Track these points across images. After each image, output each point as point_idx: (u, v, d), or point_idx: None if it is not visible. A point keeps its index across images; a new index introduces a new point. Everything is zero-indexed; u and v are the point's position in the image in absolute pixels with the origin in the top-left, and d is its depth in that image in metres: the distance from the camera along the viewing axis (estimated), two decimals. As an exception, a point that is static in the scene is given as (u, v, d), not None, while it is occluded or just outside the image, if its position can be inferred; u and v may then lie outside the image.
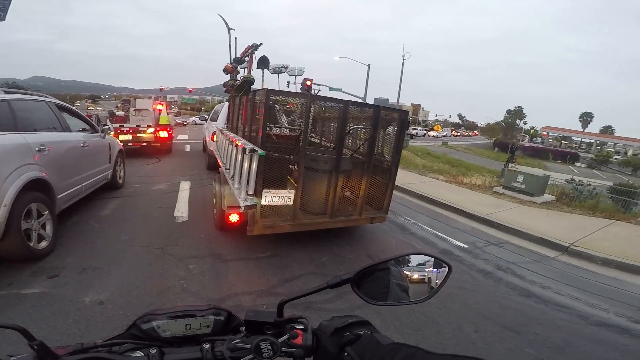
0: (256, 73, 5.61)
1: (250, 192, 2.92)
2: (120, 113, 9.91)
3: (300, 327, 0.64)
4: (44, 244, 3.06)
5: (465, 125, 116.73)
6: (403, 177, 8.28)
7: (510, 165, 11.01)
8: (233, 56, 5.98)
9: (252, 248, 3.58)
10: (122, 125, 8.98)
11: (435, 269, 0.66)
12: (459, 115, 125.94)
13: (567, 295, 3.35)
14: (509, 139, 48.32)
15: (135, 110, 9.77)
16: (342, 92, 19.28)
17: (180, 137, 16.79)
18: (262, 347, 0.57)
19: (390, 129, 4.08)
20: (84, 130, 4.43)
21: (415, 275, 0.66)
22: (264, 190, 3.08)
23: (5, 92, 3.36)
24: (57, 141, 3.58)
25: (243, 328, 0.65)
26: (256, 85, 5.22)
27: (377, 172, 3.90)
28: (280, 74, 6.95)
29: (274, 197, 3.17)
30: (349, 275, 0.62)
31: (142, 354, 0.59)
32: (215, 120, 7.74)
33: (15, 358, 0.55)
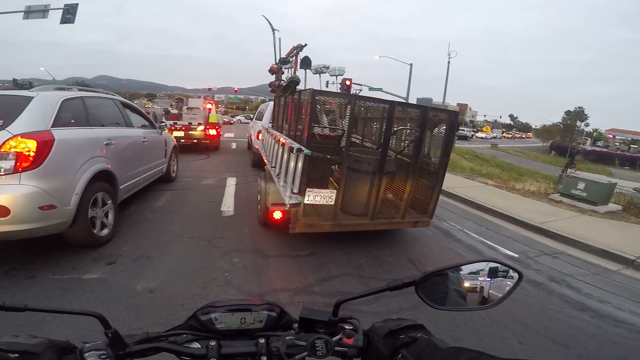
0: (299, 73, 5.71)
1: (295, 191, 2.96)
2: (174, 111, 10.61)
3: (350, 327, 0.64)
4: (105, 231, 3.33)
5: (518, 126, 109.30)
6: (448, 181, 7.97)
7: (569, 170, 10.11)
8: (278, 57, 6.13)
9: (292, 245, 3.63)
10: (176, 123, 9.57)
11: (489, 279, 0.65)
12: (511, 116, 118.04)
13: (628, 311, 3.03)
14: (567, 142, 44.44)
15: (187, 108, 10.32)
16: (383, 91, 18.94)
17: (226, 134, 17.62)
18: (317, 345, 0.58)
19: (436, 130, 3.93)
20: (143, 126, 4.79)
21: (469, 284, 0.65)
22: (308, 190, 3.11)
23: (80, 89, 3.78)
24: (121, 136, 3.90)
25: (295, 325, 0.66)
26: (299, 85, 5.30)
27: (423, 174, 3.78)
28: (321, 74, 7.01)
29: (316, 197, 3.19)
30: (411, 278, 0.62)
31: (200, 346, 0.61)
32: (261, 119, 7.98)
33: (90, 345, 0.58)
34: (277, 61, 5.93)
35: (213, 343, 0.60)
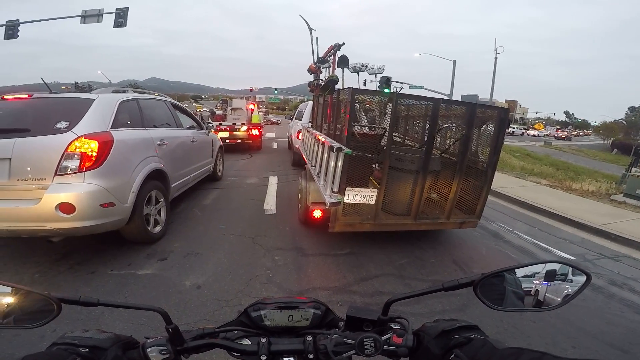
0: (337, 72, 5.69)
1: (335, 190, 2.95)
2: (220, 112, 11.02)
3: (399, 327, 0.63)
4: (158, 228, 3.50)
5: (574, 123, 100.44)
6: (497, 180, 7.53)
7: (634, 169, 9.09)
8: (316, 56, 6.16)
9: (331, 244, 3.63)
10: (221, 123, 9.93)
11: (545, 282, 0.63)
12: (566, 113, 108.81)
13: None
14: (632, 139, 40.05)
15: (231, 109, 10.67)
16: (425, 89, 18.33)
17: (267, 134, 18.05)
18: (365, 343, 0.57)
19: (484, 128, 3.72)
20: (192, 127, 4.99)
21: (527, 286, 0.63)
22: (348, 189, 3.09)
23: (134, 91, 3.96)
24: (172, 136, 4.08)
25: (341, 324, 0.66)
26: (338, 84, 5.29)
27: (470, 173, 3.60)
28: (359, 73, 6.93)
29: (356, 196, 3.16)
30: (469, 279, 0.60)
31: (250, 342, 0.62)
32: (300, 119, 8.08)
33: (151, 340, 0.59)
34: (316, 61, 5.96)
35: (264, 340, 0.61)
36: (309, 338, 0.63)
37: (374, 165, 3.59)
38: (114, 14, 14.16)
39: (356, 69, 6.53)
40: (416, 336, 0.62)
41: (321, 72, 5.71)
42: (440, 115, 3.50)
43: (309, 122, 6.94)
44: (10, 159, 2.56)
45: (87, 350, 0.53)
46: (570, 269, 0.63)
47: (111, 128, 3.00)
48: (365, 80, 10.34)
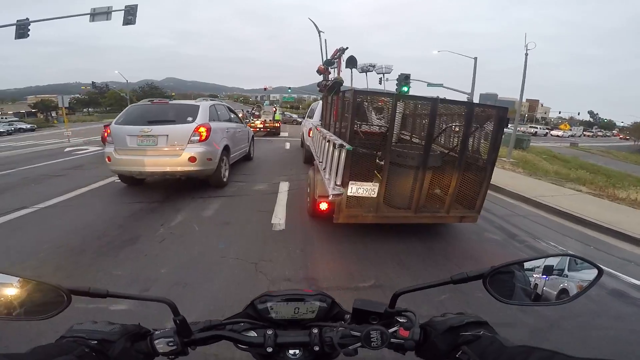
0: (346, 72, 5.90)
1: (338, 183, 3.19)
2: (257, 112, 18.56)
3: (405, 320, 0.63)
4: (225, 180, 5.98)
5: (600, 123, 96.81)
6: (533, 187, 7.25)
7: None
8: (324, 58, 6.41)
9: (351, 272, 3.08)
10: (258, 118, 17.80)
11: (556, 276, 0.63)
12: (590, 113, 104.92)
13: None
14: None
15: (263, 111, 18.50)
16: (444, 87, 18.20)
17: (282, 134, 18.52)
18: (371, 335, 0.58)
19: (483, 126, 3.87)
20: (237, 121, 7.63)
21: (538, 279, 0.64)
22: (351, 182, 3.31)
23: (212, 99, 6.56)
24: (230, 127, 6.75)
25: (347, 316, 0.67)
26: (346, 84, 5.49)
27: (470, 169, 3.75)
28: (368, 72, 7.11)
29: (359, 189, 3.37)
30: (478, 272, 0.60)
31: (257, 334, 0.63)
32: (312, 118, 8.36)
33: (159, 332, 0.61)
34: (324, 62, 6.20)
35: (270, 332, 0.62)
36: (315, 330, 0.63)
37: (379, 162, 3.79)
38: (123, 12, 14.25)
39: (364, 69, 6.72)
40: (423, 330, 0.61)
41: (330, 73, 5.94)
42: (444, 114, 3.69)
43: (320, 120, 7.19)
44: (168, 135, 5.10)
45: (95, 342, 0.55)
46: (582, 262, 0.63)
47: (209, 121, 5.55)
48: (381, 79, 10.49)
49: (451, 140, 4.21)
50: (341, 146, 2.99)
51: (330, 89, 4.29)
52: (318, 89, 6.11)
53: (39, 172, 7.52)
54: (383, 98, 4.06)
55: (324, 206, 3.81)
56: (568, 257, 0.65)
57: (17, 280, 0.56)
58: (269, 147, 11.99)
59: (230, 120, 6.94)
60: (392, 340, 0.60)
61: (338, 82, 4.21)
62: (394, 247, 3.63)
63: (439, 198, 3.85)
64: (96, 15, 14.21)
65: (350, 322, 0.64)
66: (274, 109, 19.08)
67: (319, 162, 4.29)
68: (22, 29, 13.93)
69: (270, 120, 17.65)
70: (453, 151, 3.89)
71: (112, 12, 14.16)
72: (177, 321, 0.60)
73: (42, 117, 59.48)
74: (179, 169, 5.13)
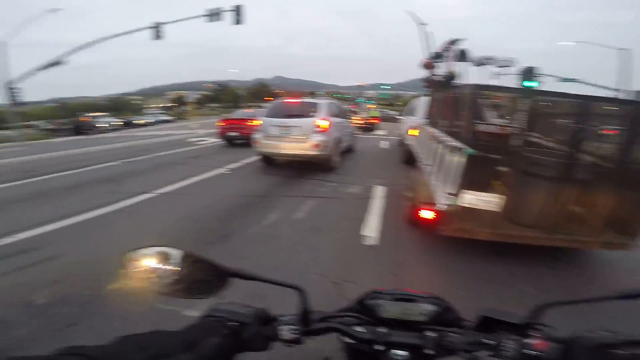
0: (457, 67, 5.27)
1: (451, 191, 2.79)
2: (355, 109, 21.83)
3: (538, 334, 0.57)
4: (335, 165, 7.25)
5: None
6: None
7: None
8: (428, 51, 5.88)
9: (460, 307, 2.71)
10: (354, 116, 18.18)
11: None
12: None
13: None
14: None
15: (362, 109, 22.00)
16: (581, 83, 15.29)
17: (378, 132, 18.25)
18: (506, 346, 0.54)
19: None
20: (345, 118, 8.94)
21: None
22: (466, 191, 2.87)
23: (334, 97, 12.93)
24: (341, 122, 8.06)
25: (467, 323, 0.63)
26: (458, 79, 4.90)
27: (631, 186, 2.91)
28: (484, 66, 6.27)
29: (476, 200, 2.91)
30: None
31: (365, 331, 0.60)
32: (413, 115, 7.82)
33: (285, 318, 0.61)
34: (430, 56, 5.70)
35: (383, 330, 0.60)
36: (431, 334, 0.59)
37: (500, 168, 3.24)
38: (231, 13, 16.14)
39: (480, 62, 5.94)
40: (564, 345, 0.54)
41: (435, 68, 5.42)
42: (591, 114, 2.92)
43: (424, 118, 6.70)
44: (300, 126, 6.74)
45: (234, 324, 0.57)
46: None
47: (329, 116, 7.05)
48: (498, 74, 9.32)
49: (601, 146, 3.33)
50: (458, 149, 2.59)
51: (442, 84, 3.84)
52: (423, 84, 5.66)
53: (166, 160, 8.69)
54: (508, 94, 3.44)
55: (427, 214, 3.43)
56: None
57: (187, 256, 0.58)
58: (365, 145, 11.67)
59: (340, 116, 8.12)
60: (526, 350, 0.54)
61: (451, 76, 3.75)
62: (523, 278, 2.92)
63: (580, 217, 3.09)
64: (211, 16, 16.36)
65: (467, 330, 0.61)
66: (372, 106, 23.50)
67: (426, 164, 3.90)
68: (157, 31, 16.85)
69: (368, 117, 19.90)
70: (608, 161, 3.07)
71: (223, 13, 16.16)
72: (303, 310, 0.60)
73: (176, 111, 71.63)
74: (305, 152, 6.72)
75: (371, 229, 3.94)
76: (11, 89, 17.93)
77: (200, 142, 12.89)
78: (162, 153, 9.94)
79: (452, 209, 2.94)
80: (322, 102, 7.36)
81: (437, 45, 5.53)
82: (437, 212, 3.24)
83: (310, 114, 6.84)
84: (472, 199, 2.91)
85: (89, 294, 2.51)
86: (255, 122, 9.65)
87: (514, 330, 0.58)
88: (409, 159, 7.33)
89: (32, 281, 2.71)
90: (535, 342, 0.55)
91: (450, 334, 0.59)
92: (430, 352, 0.58)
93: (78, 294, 2.51)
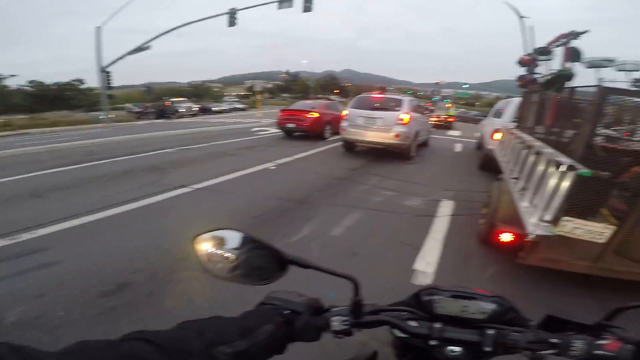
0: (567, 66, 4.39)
1: (548, 218, 2.25)
2: (432, 108, 21.25)
3: (609, 335, 0.55)
4: (413, 154, 7.95)
5: None
6: None
7: None
8: (527, 47, 5.12)
9: None
10: (431, 113, 19.25)
11: None
12: None
13: None
14: None
15: (437, 108, 23.95)
16: None
17: (450, 132, 16.84)
18: (574, 345, 0.52)
19: None
20: (422, 114, 9.76)
21: None
22: (566, 218, 2.30)
23: (410, 94, 14.05)
24: (420, 118, 8.83)
25: (530, 323, 0.60)
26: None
27: None
28: (600, 69, 5.13)
29: (578, 230, 2.32)
30: None
31: (419, 325, 0.59)
32: (500, 117, 6.90)
33: (336, 309, 0.61)
34: (530, 51, 4.89)
35: (438, 325, 0.58)
36: (490, 331, 0.57)
37: (615, 191, 2.56)
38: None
39: (594, 64, 4.85)
40: (636, 347, 0.52)
41: (537, 65, 4.61)
42: None
43: (514, 121, 5.87)
44: (384, 118, 7.56)
45: (288, 312, 0.58)
46: None
47: (409, 111, 7.69)
48: (614, 80, 7.79)
49: None
50: (571, 168, 2.04)
51: (552, 83, 3.17)
52: (518, 83, 4.90)
53: (220, 149, 8.53)
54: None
55: (507, 237, 2.90)
56: None
57: (247, 240, 0.58)
58: (437, 146, 10.75)
59: (418, 112, 8.76)
60: (596, 351, 0.51)
61: (566, 75, 3.06)
62: None
63: None
64: (282, 3, 16.59)
65: (533, 329, 0.57)
66: (449, 105, 24.88)
67: (512, 178, 3.30)
68: (232, 18, 17.63)
69: (444, 115, 20.67)
70: None
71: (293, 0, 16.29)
72: (355, 301, 0.60)
73: (250, 99, 76.01)
74: (387, 141, 7.53)
75: (428, 261, 3.01)
76: (105, 72, 19.48)
77: (260, 132, 12.86)
78: (220, 142, 10.02)
79: (545, 238, 2.39)
80: (405, 98, 8.21)
81: (541, 42, 4.67)
82: (520, 236, 2.70)
83: (395, 108, 7.66)
84: (574, 228, 2.33)
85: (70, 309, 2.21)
86: (313, 114, 10.28)
87: (582, 331, 0.56)
88: (488, 165, 6.58)
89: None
90: (606, 342, 0.53)
91: (511, 332, 0.57)
92: (489, 349, 0.56)
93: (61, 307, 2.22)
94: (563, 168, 2.09)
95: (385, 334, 0.63)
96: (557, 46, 4.00)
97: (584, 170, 2.01)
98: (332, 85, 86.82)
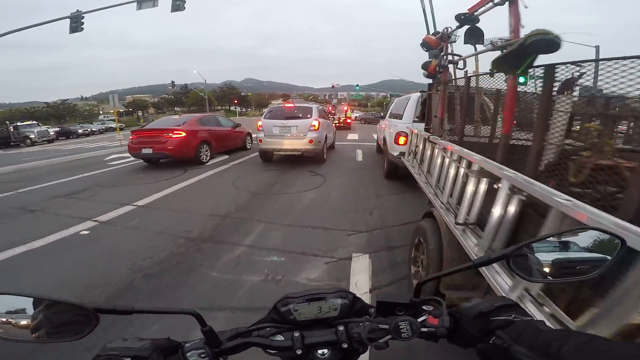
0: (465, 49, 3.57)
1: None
2: (332, 112, 23.91)
3: (431, 309, 0.60)
4: (325, 157, 8.75)
5: None
6: None
7: None
8: (431, 27, 4.52)
9: None
10: (334, 117, 19.92)
11: (578, 250, 0.58)
12: None
13: None
14: None
15: (337, 110, 24.72)
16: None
17: (350, 136, 16.14)
18: (401, 327, 0.56)
19: None
20: (328, 119, 11.01)
21: (561, 254, 0.59)
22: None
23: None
24: (327, 123, 9.90)
25: (371, 310, 0.64)
26: (470, 66, 3.44)
27: None
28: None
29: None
30: (500, 253, 0.55)
31: (284, 338, 0.59)
32: (400, 118, 6.05)
33: (190, 344, 0.57)
34: (434, 32, 4.11)
35: (297, 334, 0.59)
36: (341, 328, 0.59)
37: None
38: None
39: (495, 45, 4.19)
40: (452, 317, 0.58)
41: (442, 46, 3.80)
42: None
43: (415, 121, 5.40)
44: (297, 126, 7.87)
45: (129, 359, 0.52)
46: (604, 234, 0.57)
47: (318, 117, 8.12)
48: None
49: None
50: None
51: (514, 58, 1.92)
52: (425, 72, 4.06)
53: (22, 201, 5.46)
54: None
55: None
56: (589, 230, 0.59)
57: (40, 301, 0.53)
58: (336, 158, 9.48)
59: (323, 117, 9.16)
60: (422, 329, 0.57)
61: (547, 40, 1.80)
62: None
63: None
64: (143, 3, 13.55)
65: (376, 316, 0.62)
66: (345, 107, 24.73)
67: (457, 224, 2.08)
68: (75, 22, 13.68)
69: (343, 118, 22.16)
70: None
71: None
72: (205, 332, 0.57)
73: (134, 116, 66.92)
74: (302, 147, 7.77)
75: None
76: None
77: (116, 161, 9.74)
78: (44, 184, 6.89)
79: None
80: (314, 106, 8.87)
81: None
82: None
83: (306, 115, 8.02)
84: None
85: None
86: (179, 134, 8.17)
87: (407, 309, 0.60)
88: (394, 173, 6.07)
89: None
90: (427, 317, 0.58)
91: (354, 325, 0.60)
92: (345, 345, 0.58)
93: None
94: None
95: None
96: (483, 12, 2.95)
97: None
98: (230, 95, 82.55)
